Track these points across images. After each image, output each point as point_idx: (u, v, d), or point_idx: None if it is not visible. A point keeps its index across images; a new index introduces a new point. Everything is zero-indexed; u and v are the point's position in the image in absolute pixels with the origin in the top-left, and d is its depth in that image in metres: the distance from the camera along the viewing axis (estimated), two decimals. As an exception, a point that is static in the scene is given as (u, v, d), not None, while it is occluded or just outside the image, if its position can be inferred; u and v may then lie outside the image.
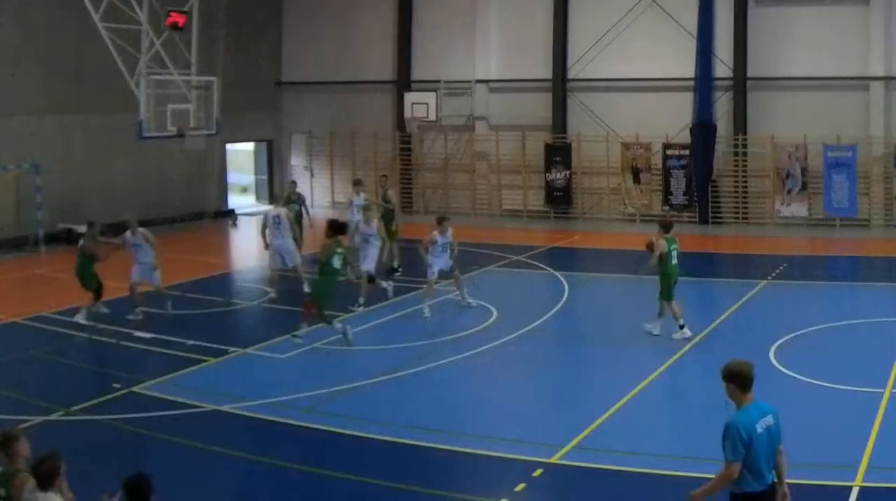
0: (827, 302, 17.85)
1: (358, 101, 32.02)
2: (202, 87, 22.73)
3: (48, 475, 6.53)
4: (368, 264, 17.55)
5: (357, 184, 21.07)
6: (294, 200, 21.53)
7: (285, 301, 18.24)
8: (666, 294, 14.97)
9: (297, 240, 19.00)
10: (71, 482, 6.83)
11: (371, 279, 17.46)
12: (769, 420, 6.81)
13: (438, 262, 17.08)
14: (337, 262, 14.68)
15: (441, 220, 17.46)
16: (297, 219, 20.46)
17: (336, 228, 14.87)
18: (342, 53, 31.68)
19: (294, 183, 23.71)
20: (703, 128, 26.87)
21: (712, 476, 9.36)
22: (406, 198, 30.50)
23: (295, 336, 14.76)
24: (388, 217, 20.42)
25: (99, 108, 25.73)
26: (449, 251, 17.19)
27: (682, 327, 14.83)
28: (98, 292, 16.43)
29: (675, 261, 15.03)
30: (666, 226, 15.31)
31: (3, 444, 6.89)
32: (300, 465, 9.95)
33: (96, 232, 17.09)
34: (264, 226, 18.63)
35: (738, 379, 6.78)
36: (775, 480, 6.85)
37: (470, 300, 17.19)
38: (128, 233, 16.54)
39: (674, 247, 15.07)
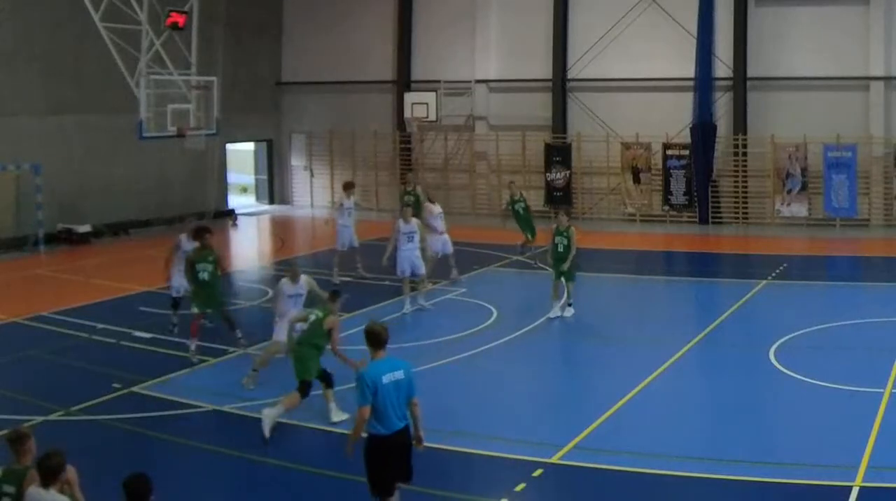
0: (826, 302, 17.85)
1: (358, 101, 32.02)
2: (202, 87, 22.71)
3: (52, 471, 6.57)
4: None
5: (348, 186, 20.61)
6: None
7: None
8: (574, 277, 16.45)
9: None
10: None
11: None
12: (398, 374, 7.80)
13: (403, 260, 16.90)
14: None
15: (402, 206, 17.78)
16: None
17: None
18: (342, 53, 31.68)
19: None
20: (703, 128, 26.88)
21: (712, 476, 9.47)
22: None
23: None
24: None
25: (99, 108, 25.73)
26: (416, 243, 17.05)
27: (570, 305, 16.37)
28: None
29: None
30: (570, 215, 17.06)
31: (14, 441, 6.96)
32: (300, 465, 9.95)
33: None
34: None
35: (370, 338, 7.85)
36: (405, 427, 7.91)
37: (425, 304, 16.94)
38: (285, 282, 13.19)
39: None
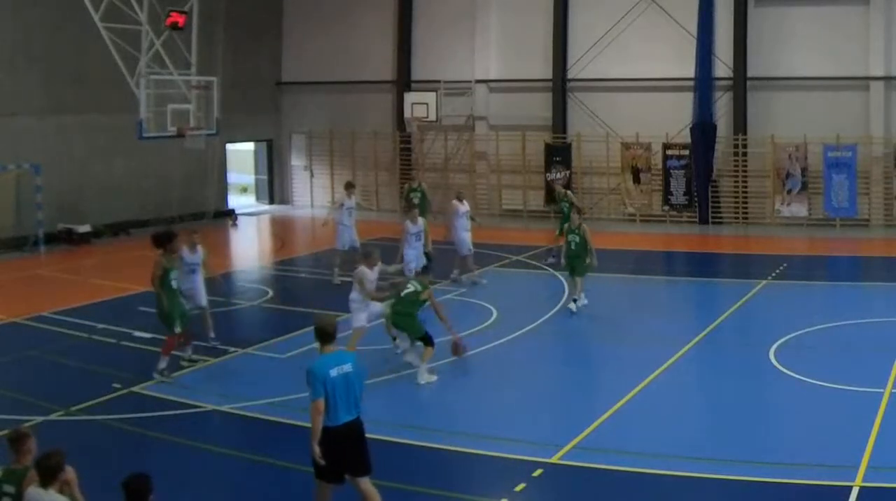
0: (826, 302, 17.85)
1: (358, 101, 32.02)
2: (202, 87, 22.71)
3: (51, 471, 6.58)
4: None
5: (349, 186, 20.66)
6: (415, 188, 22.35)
7: (285, 301, 18.25)
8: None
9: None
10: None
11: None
12: (346, 367, 8.09)
13: (410, 259, 17.10)
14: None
15: (409, 209, 17.82)
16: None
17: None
18: (342, 53, 31.68)
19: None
20: (703, 128, 26.87)
21: (712, 476, 9.47)
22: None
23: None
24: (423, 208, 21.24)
25: (99, 108, 25.73)
26: (422, 241, 17.51)
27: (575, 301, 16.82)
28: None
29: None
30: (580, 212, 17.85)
31: (15, 441, 6.98)
32: (300, 465, 9.92)
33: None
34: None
35: (318, 334, 8.24)
36: (353, 420, 8.14)
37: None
38: (366, 270, 13.66)
39: None
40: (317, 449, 7.97)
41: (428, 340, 13.10)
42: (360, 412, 8.21)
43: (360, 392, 8.19)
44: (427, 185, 22.82)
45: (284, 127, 33.41)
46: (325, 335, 8.21)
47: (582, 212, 17.80)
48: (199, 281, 14.45)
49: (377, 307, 13.72)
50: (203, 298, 14.54)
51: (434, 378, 12.97)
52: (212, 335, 14.60)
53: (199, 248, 14.53)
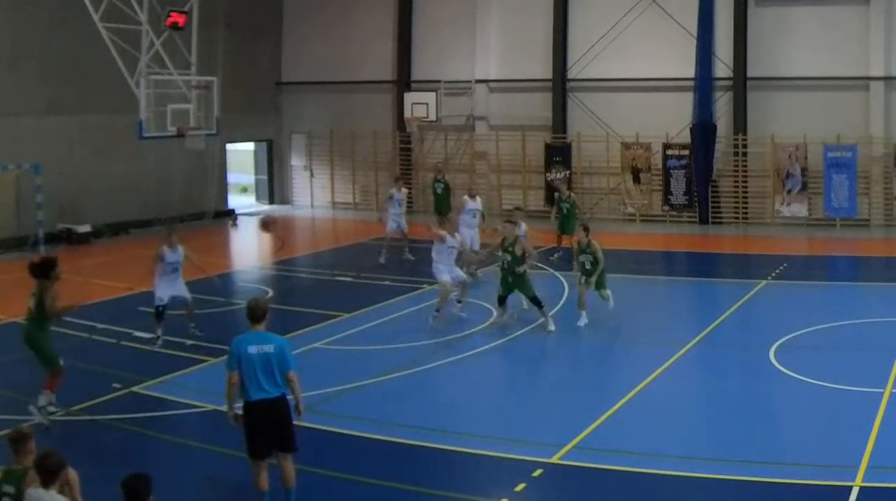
0: (826, 302, 17.83)
1: (358, 101, 32.01)
2: (202, 87, 22.72)
3: (51, 471, 6.57)
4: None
5: (397, 180, 23.14)
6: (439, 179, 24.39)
7: (285, 300, 18.23)
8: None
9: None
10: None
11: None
12: (268, 347, 8.54)
13: (466, 234, 18.60)
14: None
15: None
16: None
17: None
18: (342, 53, 31.68)
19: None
20: (703, 128, 26.87)
21: (712, 476, 9.47)
22: (406, 198, 30.39)
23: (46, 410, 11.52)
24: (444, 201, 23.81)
25: (99, 108, 25.73)
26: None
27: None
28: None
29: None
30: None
31: (16, 441, 6.97)
32: (300, 465, 9.90)
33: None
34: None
35: (248, 313, 8.74)
36: (274, 398, 8.55)
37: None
38: (442, 239, 16.42)
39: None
40: (230, 415, 8.66)
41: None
42: (284, 392, 8.59)
43: (281, 373, 8.52)
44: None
45: (284, 127, 33.41)
46: (252, 315, 8.72)
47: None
48: (181, 279, 15.01)
49: (458, 272, 16.24)
50: (187, 293, 15.05)
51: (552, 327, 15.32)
52: (192, 324, 14.99)
53: (179, 247, 14.93)
